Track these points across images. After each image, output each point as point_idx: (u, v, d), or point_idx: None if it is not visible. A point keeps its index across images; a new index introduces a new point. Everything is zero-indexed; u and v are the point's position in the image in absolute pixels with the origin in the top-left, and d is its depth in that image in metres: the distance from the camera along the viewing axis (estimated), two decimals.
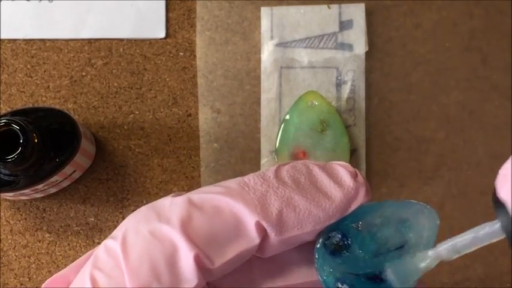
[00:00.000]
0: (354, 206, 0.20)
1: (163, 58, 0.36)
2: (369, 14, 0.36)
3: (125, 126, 0.36)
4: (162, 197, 0.35)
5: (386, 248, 0.21)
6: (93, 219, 0.35)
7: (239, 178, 0.21)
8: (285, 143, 0.34)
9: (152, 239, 0.19)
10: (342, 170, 0.21)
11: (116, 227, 0.35)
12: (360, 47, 0.35)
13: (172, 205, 0.20)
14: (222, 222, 0.20)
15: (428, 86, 0.35)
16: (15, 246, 0.35)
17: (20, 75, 0.36)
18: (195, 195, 0.20)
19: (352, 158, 0.35)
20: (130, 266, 0.19)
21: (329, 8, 0.35)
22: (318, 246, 0.20)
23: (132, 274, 0.19)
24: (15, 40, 0.36)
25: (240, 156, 0.35)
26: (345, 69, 0.35)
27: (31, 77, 0.36)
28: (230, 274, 0.21)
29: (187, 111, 0.36)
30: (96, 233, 0.35)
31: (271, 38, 0.35)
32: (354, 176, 0.21)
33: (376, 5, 0.36)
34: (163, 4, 0.36)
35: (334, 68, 0.35)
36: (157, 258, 0.19)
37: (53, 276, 0.21)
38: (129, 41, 0.36)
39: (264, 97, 0.35)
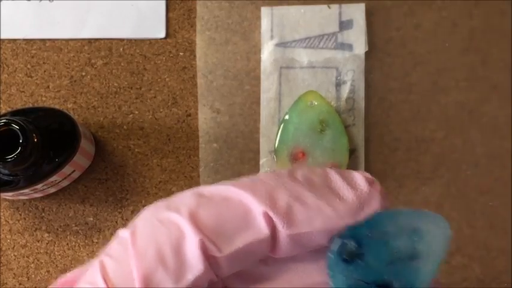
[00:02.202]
0: (367, 211, 0.20)
1: (163, 58, 0.36)
2: (369, 14, 0.36)
3: (125, 126, 0.36)
4: (161, 197, 0.35)
5: (398, 258, 0.21)
6: (92, 219, 0.35)
7: (252, 175, 0.21)
8: (284, 142, 0.34)
9: (160, 226, 0.20)
10: (359, 175, 0.21)
11: (115, 226, 0.35)
12: (360, 47, 0.35)
13: (182, 196, 0.21)
14: (230, 211, 0.20)
15: (428, 86, 0.35)
16: (14, 246, 0.35)
17: (20, 75, 0.36)
18: (206, 188, 0.21)
19: (351, 157, 0.35)
20: (137, 250, 0.19)
21: (329, 8, 0.35)
22: (332, 253, 0.21)
23: (138, 258, 0.19)
24: (15, 40, 0.36)
25: (240, 156, 0.35)
26: (345, 69, 0.35)
27: (31, 77, 0.36)
28: (243, 278, 0.21)
29: (186, 111, 0.36)
30: (95, 233, 0.35)
31: (271, 38, 0.35)
32: (371, 183, 0.21)
33: (376, 5, 0.36)
34: (163, 4, 0.36)
35: (334, 68, 0.35)
36: (163, 243, 0.19)
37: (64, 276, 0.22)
38: (129, 41, 0.36)
39: (264, 97, 0.35)
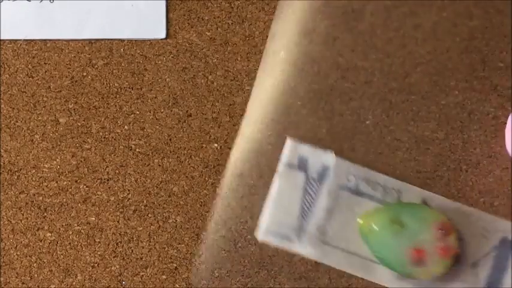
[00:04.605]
0: None
1: (164, 58, 0.36)
2: (369, 15, 0.36)
3: (126, 126, 0.36)
4: (162, 196, 0.35)
5: None
6: (94, 219, 0.35)
7: None
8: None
9: None
10: None
11: (116, 226, 0.35)
12: None
13: None
14: None
15: (428, 87, 0.35)
16: (16, 246, 0.35)
17: (21, 76, 0.36)
18: None
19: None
20: None
21: None
22: None
23: None
24: (16, 40, 0.36)
25: (240, 156, 0.35)
26: None
27: (32, 77, 0.36)
28: None
29: (187, 111, 0.36)
30: (97, 233, 0.35)
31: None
32: None
33: (375, 5, 0.36)
34: (163, 4, 0.36)
35: None
36: None
37: None
38: (130, 41, 0.36)
39: None
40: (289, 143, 0.35)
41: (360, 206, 0.34)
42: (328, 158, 0.34)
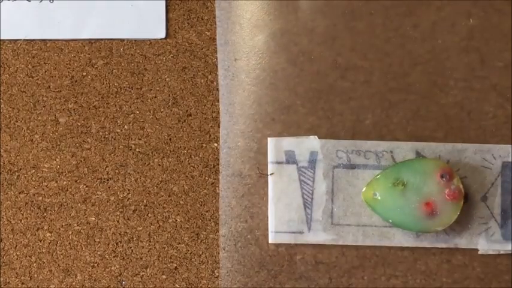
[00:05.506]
0: None
1: (164, 58, 0.36)
2: (368, 14, 0.36)
3: (125, 126, 0.36)
4: (162, 196, 0.35)
5: None
6: (93, 219, 0.35)
7: None
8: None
9: None
10: None
11: (116, 226, 0.35)
12: None
13: None
14: None
15: (427, 86, 0.36)
16: (16, 246, 0.35)
17: (21, 76, 0.36)
18: None
19: None
20: None
21: None
22: None
23: None
24: (15, 40, 0.36)
25: (240, 156, 0.35)
26: None
27: (32, 77, 0.36)
28: None
29: (187, 111, 0.36)
30: (97, 232, 0.35)
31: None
32: None
33: (375, 5, 0.36)
34: (163, 4, 0.36)
35: None
36: None
37: None
38: (129, 41, 0.36)
39: None
40: (270, 142, 0.35)
41: (358, 178, 0.34)
42: (313, 143, 0.34)
